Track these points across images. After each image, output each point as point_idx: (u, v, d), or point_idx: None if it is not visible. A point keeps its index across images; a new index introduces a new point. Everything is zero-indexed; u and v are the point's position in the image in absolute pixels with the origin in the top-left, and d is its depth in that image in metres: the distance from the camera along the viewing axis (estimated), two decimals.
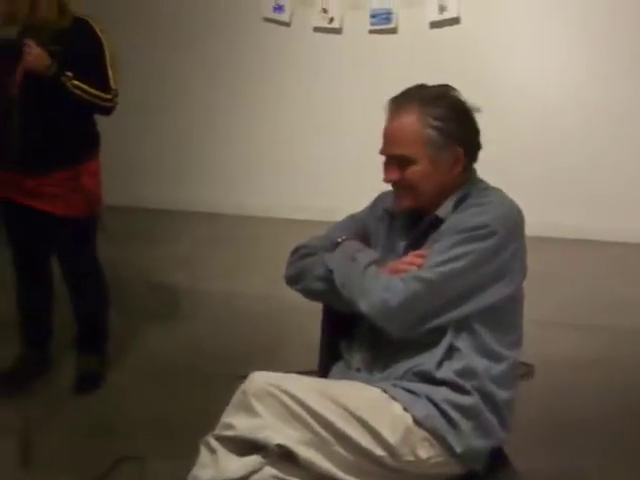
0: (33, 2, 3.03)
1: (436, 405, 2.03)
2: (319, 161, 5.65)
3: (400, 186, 2.12)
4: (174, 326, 4.10)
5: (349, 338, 2.25)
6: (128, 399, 3.40)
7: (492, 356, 2.08)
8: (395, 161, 2.09)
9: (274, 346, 3.83)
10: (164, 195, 5.99)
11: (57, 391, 3.45)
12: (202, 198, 5.95)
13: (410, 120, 2.06)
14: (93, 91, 3.12)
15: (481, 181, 2.18)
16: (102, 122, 3.33)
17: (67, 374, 3.51)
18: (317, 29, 5.56)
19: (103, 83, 3.15)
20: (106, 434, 3.13)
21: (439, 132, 2.06)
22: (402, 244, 2.18)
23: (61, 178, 3.19)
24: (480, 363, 2.07)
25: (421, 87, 2.14)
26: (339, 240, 2.21)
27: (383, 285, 2.00)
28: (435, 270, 1.98)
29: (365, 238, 2.27)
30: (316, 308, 2.39)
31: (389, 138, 2.10)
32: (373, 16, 5.37)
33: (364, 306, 2.01)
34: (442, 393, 2.04)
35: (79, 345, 3.55)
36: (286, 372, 2.08)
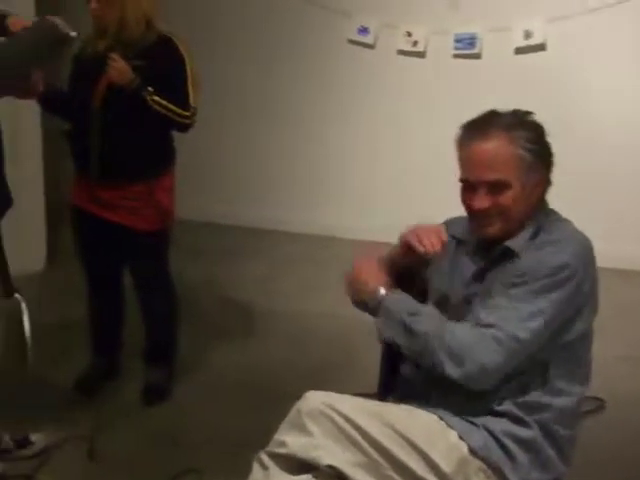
0: (122, 18, 3.11)
1: (494, 436, 1.99)
2: (400, 183, 5.62)
3: (490, 213, 2.05)
4: (243, 343, 4.11)
5: (409, 362, 2.21)
6: (192, 413, 3.42)
7: (558, 391, 2.04)
8: (485, 187, 2.03)
9: (341, 366, 3.81)
10: (241, 212, 6.03)
11: (124, 400, 3.49)
12: (279, 216, 5.96)
13: (501, 143, 2.02)
14: (172, 107, 3.16)
15: (553, 211, 2.14)
16: (178, 137, 3.37)
17: (135, 384, 3.56)
18: (401, 52, 5.54)
19: (183, 100, 3.20)
20: (168, 446, 3.16)
21: (530, 153, 2.03)
22: (469, 272, 2.15)
23: (136, 191, 3.24)
24: (544, 398, 2.02)
25: (495, 112, 2.10)
26: (379, 296, 2.11)
27: (477, 349, 1.92)
28: (527, 327, 1.93)
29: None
30: None
31: (479, 163, 2.04)
32: (457, 40, 5.34)
33: (455, 373, 1.93)
34: (501, 424, 2.00)
35: (147, 357, 3.59)
36: (348, 393, 2.07)
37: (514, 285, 1.98)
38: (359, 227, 5.71)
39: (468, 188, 2.07)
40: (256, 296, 4.73)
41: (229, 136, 6.04)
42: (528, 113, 2.10)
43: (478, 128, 2.06)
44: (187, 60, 3.23)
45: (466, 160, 2.07)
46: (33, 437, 3.06)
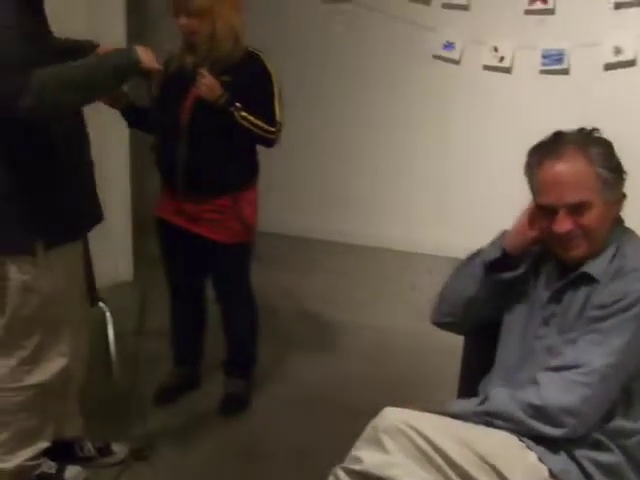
0: (213, 34, 3.16)
1: (575, 460, 1.94)
2: (474, 200, 5.55)
3: (574, 235, 2.01)
4: (319, 357, 4.12)
5: (487, 380, 2.19)
6: (269, 425, 3.44)
7: None
8: (566, 209, 1.99)
9: (417, 382, 3.78)
10: (318, 224, 6.04)
11: (203, 410, 3.53)
12: (356, 230, 5.95)
13: (578, 162, 1.98)
14: (259, 123, 3.19)
15: (629, 229, 2.09)
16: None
17: (214, 394, 3.59)
18: (487, 67, 5.48)
19: (269, 116, 3.23)
20: (244, 457, 3.19)
21: (609, 171, 2.00)
22: (545, 295, 2.12)
23: (221, 205, 3.27)
24: (628, 423, 1.97)
25: (563, 132, 2.07)
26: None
27: (569, 403, 1.89)
28: (614, 363, 1.90)
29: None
30: (458, 347, 2.36)
31: (558, 185, 1.99)
32: (545, 56, 5.25)
33: (557, 432, 1.91)
34: (583, 448, 1.95)
35: (227, 368, 3.63)
36: (421, 410, 2.04)
37: (597, 319, 1.94)
38: (433, 242, 5.68)
39: (547, 213, 2.03)
40: (332, 309, 4.73)
41: (312, 149, 6.07)
42: (595, 130, 2.06)
43: (550, 150, 2.03)
44: (273, 76, 3.26)
45: (543, 184, 2.03)
46: (115, 446, 3.12)
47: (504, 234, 2.18)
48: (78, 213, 2.67)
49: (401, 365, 4.03)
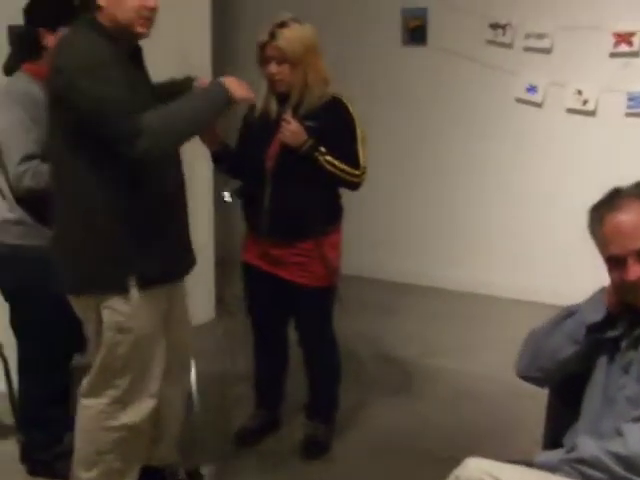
0: (305, 83, 3.20)
1: None
2: (558, 244, 5.48)
3: None
4: (400, 401, 4.09)
5: (572, 432, 2.15)
6: (349, 470, 3.42)
7: None
8: (634, 256, 2.02)
9: (499, 432, 3.73)
10: (396, 267, 6.07)
11: (283, 453, 3.54)
12: (434, 273, 5.96)
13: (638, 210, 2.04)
14: (344, 167, 3.21)
15: None
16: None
17: (295, 437, 3.60)
18: (570, 110, 5.45)
19: (353, 159, 3.24)
20: None
21: None
22: (623, 343, 2.11)
23: (305, 248, 3.29)
24: None
25: (620, 188, 2.12)
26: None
27: None
28: None
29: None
30: (538, 392, 2.34)
31: (623, 235, 2.04)
32: (631, 99, 5.20)
33: None
34: None
35: (308, 411, 3.62)
36: (504, 460, 2.02)
37: None
38: (514, 286, 5.63)
39: (616, 264, 2.06)
40: (414, 353, 4.71)
41: (394, 194, 6.11)
42: None
43: (609, 204, 2.09)
44: (357, 121, 3.29)
45: (608, 236, 2.07)
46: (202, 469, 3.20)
47: (602, 291, 2.16)
48: (174, 256, 2.75)
49: (482, 412, 3.97)
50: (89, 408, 2.77)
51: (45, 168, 2.88)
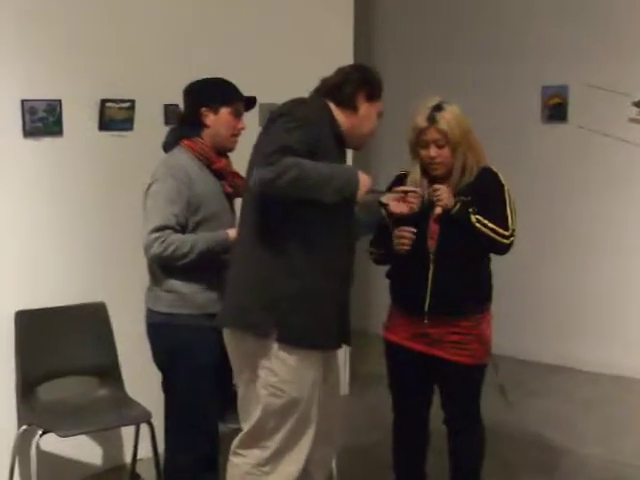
0: (464, 165, 3.21)
1: None
2: None
3: None
4: None
5: None
6: None
7: None
8: None
9: None
10: (542, 348, 5.94)
11: None
12: (577, 354, 5.80)
13: None
14: (494, 227, 3.16)
15: None
16: None
17: None
18: None
19: (503, 221, 3.19)
20: None
21: None
22: None
23: (465, 326, 3.26)
24: None
25: None
26: None
27: None
28: None
29: None
30: None
31: None
32: None
33: None
34: None
35: None
36: None
37: None
38: None
39: None
40: (558, 437, 4.58)
41: (533, 273, 6.02)
42: None
43: None
44: (506, 187, 3.26)
45: None
46: None
47: None
48: (326, 323, 2.78)
49: None
50: (237, 467, 2.82)
51: (175, 238, 3.07)
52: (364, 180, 2.71)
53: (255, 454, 2.76)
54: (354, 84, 2.83)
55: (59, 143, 3.75)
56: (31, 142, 3.66)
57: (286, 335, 2.68)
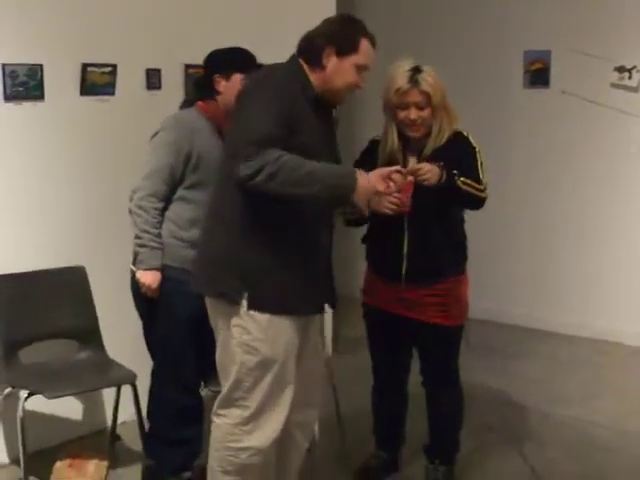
0: (441, 126, 3.22)
1: None
2: None
3: None
4: (519, 446, 4.01)
5: None
6: None
7: None
8: None
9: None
10: (518, 312, 6.01)
11: None
12: (556, 318, 5.87)
13: None
14: (473, 183, 3.18)
15: None
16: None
17: (415, 478, 3.58)
18: None
19: (476, 177, 3.20)
20: None
21: None
22: None
23: (443, 288, 3.30)
24: None
25: None
26: None
27: None
28: None
29: None
30: None
31: None
32: None
33: None
34: None
35: (429, 453, 3.59)
36: None
37: None
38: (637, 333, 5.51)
39: None
40: (534, 399, 4.64)
41: (522, 242, 6.07)
42: None
43: None
44: (477, 148, 3.28)
45: None
46: None
47: None
48: (297, 292, 2.79)
49: (603, 462, 3.87)
50: (219, 427, 2.85)
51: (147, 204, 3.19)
52: (366, 181, 2.64)
53: (236, 414, 2.80)
54: (321, 40, 2.73)
55: (40, 107, 3.73)
56: (12, 106, 3.64)
57: (257, 303, 2.71)
